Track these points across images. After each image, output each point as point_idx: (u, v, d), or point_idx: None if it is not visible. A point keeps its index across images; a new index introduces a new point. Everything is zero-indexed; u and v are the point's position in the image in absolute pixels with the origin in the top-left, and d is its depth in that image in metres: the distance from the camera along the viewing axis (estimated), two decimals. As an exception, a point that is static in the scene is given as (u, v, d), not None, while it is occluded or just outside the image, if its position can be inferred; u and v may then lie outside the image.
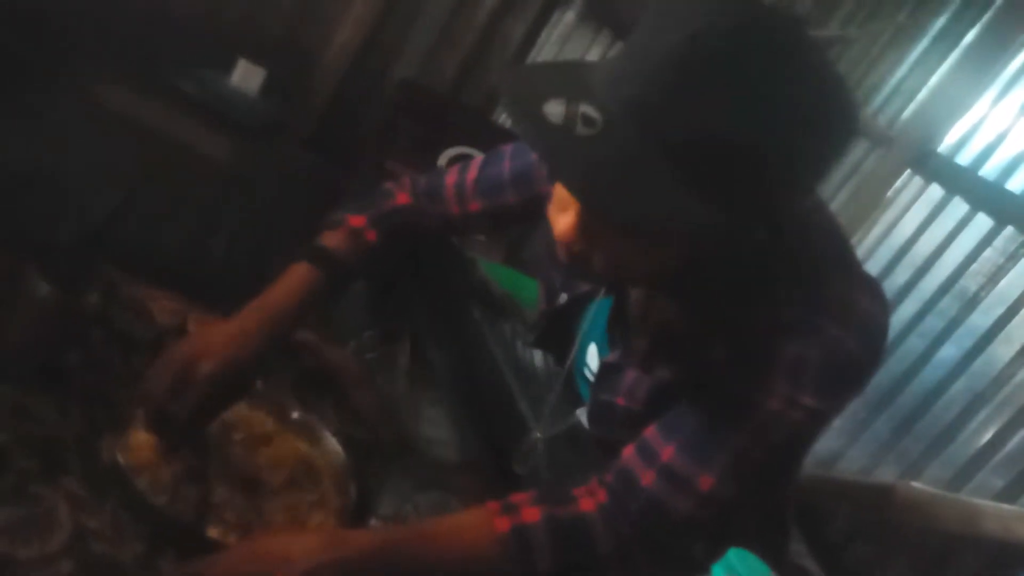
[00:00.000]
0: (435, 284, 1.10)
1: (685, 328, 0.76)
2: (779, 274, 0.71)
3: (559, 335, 0.95)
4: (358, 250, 0.92)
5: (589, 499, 0.73)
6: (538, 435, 1.01)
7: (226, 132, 1.19)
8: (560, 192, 0.66)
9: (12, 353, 0.81)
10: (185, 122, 1.13)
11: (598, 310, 0.89)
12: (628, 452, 0.74)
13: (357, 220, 0.94)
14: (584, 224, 0.63)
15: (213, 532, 0.75)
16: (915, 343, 1.74)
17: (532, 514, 0.70)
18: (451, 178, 0.99)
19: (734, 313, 0.72)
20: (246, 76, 1.53)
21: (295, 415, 0.96)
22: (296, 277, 0.86)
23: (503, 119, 2.22)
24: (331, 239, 0.91)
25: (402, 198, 0.99)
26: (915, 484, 1.40)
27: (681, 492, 0.70)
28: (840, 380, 0.70)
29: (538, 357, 1.10)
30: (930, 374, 1.71)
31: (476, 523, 0.70)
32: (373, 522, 0.87)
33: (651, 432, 0.74)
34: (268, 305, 0.83)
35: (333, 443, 0.95)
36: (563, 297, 0.92)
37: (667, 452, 0.71)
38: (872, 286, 0.71)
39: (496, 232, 1.17)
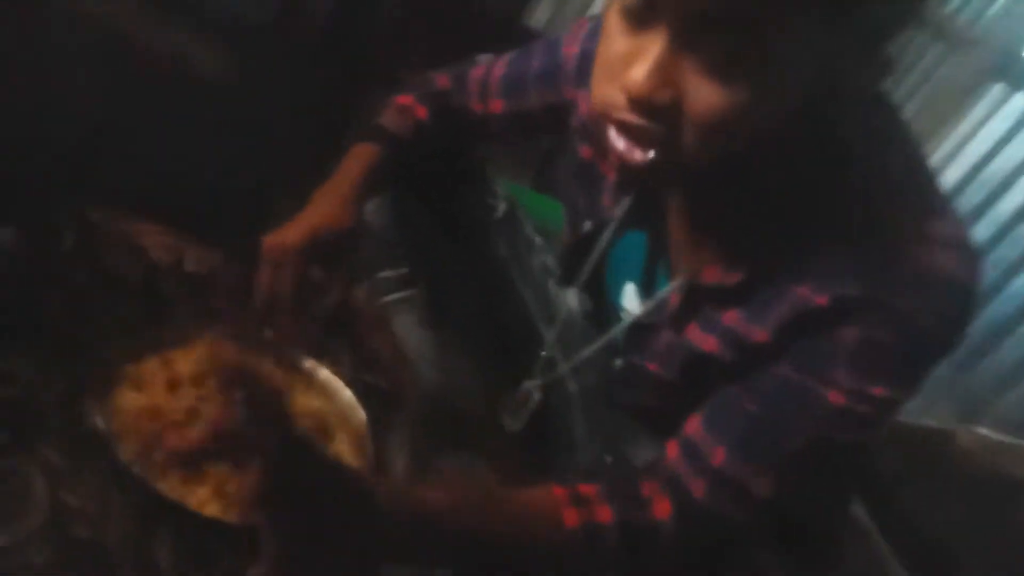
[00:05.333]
0: (454, 216, 0.98)
1: (726, 283, 0.64)
2: (848, 209, 0.58)
3: (588, 272, 0.84)
4: (409, 126, 0.90)
5: (663, 502, 0.64)
6: (572, 388, 0.91)
7: (215, 36, 1.04)
8: (621, 45, 0.53)
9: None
10: (165, 24, 0.98)
11: (629, 246, 0.78)
12: (674, 455, 0.65)
13: (404, 99, 0.92)
14: (668, 65, 0.51)
15: (212, 509, 0.67)
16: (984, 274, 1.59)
17: (604, 513, 0.62)
18: (478, 71, 0.92)
19: (786, 262, 0.60)
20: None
21: (307, 364, 0.87)
22: (358, 156, 0.87)
23: (535, 21, 2.02)
24: (383, 118, 0.90)
25: (442, 81, 0.94)
26: (980, 429, 1.29)
27: (737, 501, 0.62)
28: (917, 363, 0.60)
29: (572, 299, 0.99)
30: (999, 308, 1.57)
31: (543, 508, 0.62)
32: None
33: (697, 430, 0.65)
34: (336, 185, 0.85)
35: (349, 397, 0.86)
36: (588, 225, 0.81)
37: (717, 456, 0.62)
38: (959, 240, 0.58)
39: (520, 141, 1.06)
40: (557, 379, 0.90)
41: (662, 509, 0.63)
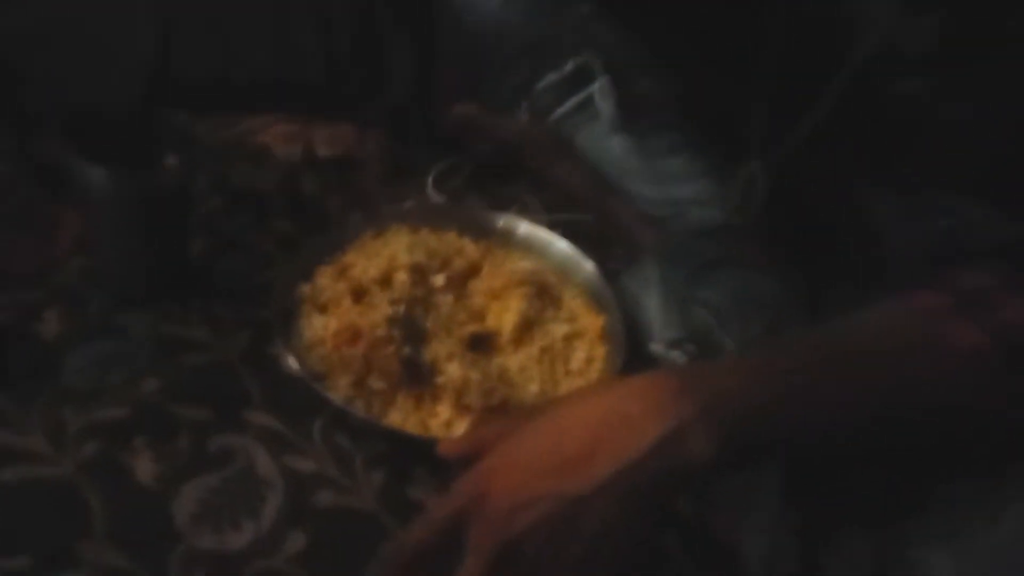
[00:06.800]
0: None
1: None
2: None
3: None
4: None
5: None
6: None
7: None
8: None
9: (109, 273, 0.59)
10: None
11: None
12: None
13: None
14: None
15: (460, 427, 0.53)
16: None
17: (1018, 309, 0.41)
18: None
19: None
20: None
21: (499, 223, 0.70)
22: None
23: None
24: None
25: None
26: None
27: None
28: None
29: None
30: None
31: (914, 331, 0.43)
32: (654, 346, 0.61)
33: None
34: None
35: (563, 246, 0.68)
36: None
37: None
38: None
39: None
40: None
41: None
